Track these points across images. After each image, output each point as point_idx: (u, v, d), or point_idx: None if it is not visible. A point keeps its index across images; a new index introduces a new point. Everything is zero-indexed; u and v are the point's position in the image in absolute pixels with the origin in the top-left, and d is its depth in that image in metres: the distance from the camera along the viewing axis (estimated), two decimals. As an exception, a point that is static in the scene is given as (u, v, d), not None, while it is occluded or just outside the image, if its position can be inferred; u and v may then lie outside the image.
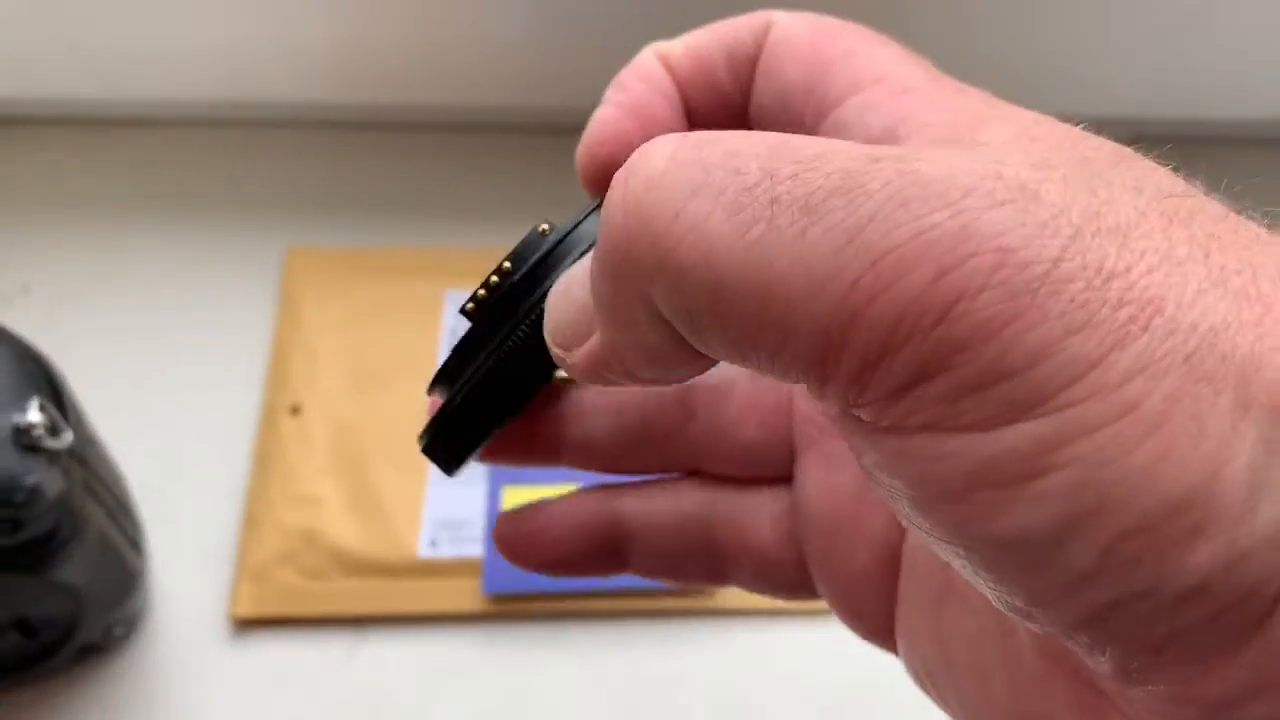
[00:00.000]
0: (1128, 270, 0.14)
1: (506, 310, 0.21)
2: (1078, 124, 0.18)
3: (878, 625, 0.24)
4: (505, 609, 0.44)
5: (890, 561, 0.23)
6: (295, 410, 0.49)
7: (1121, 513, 0.13)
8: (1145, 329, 0.14)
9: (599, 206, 0.21)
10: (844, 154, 0.15)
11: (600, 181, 0.23)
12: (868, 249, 0.14)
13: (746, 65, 0.22)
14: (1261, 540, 0.13)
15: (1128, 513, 0.13)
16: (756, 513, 0.25)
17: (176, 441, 0.48)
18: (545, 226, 0.21)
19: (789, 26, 0.22)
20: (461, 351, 0.21)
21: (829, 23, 0.22)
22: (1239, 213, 0.16)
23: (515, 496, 0.46)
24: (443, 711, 0.43)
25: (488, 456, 0.25)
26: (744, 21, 0.22)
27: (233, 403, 0.49)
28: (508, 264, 0.21)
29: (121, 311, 0.52)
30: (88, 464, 0.37)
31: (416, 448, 0.23)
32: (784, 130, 0.21)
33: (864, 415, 0.15)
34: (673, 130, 0.22)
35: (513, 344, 0.20)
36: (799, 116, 0.21)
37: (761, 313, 0.15)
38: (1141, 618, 0.14)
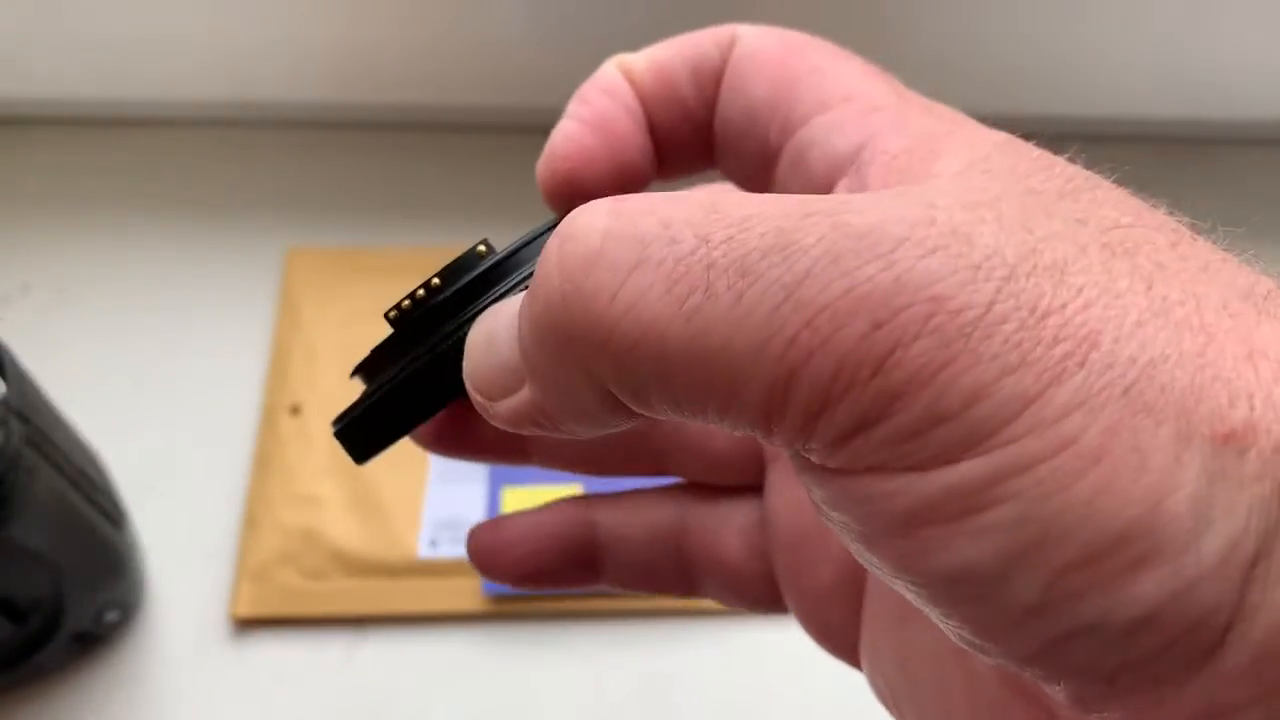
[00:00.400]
0: (1063, 307, 0.14)
1: (428, 325, 0.21)
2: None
3: (844, 641, 0.24)
4: (505, 609, 0.44)
5: (854, 578, 0.23)
6: (295, 410, 0.49)
7: (1064, 545, 0.14)
8: (1082, 364, 0.14)
9: (541, 235, 0.21)
10: (776, 211, 0.15)
11: (561, 196, 0.23)
12: (804, 305, 0.14)
13: (711, 79, 0.22)
14: (1208, 570, 0.13)
15: (1070, 545, 0.14)
16: (726, 525, 0.25)
17: (176, 441, 0.48)
18: (483, 248, 0.21)
19: (755, 41, 0.21)
20: (381, 352, 0.22)
21: (796, 38, 0.21)
22: (1195, 236, 0.16)
23: (515, 497, 0.46)
24: (443, 711, 0.43)
25: (463, 453, 0.25)
26: (709, 35, 0.22)
27: (233, 403, 0.49)
28: (438, 280, 0.21)
29: (121, 311, 0.52)
30: (31, 422, 0.37)
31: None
32: (748, 145, 0.21)
33: (812, 458, 0.15)
34: (635, 144, 0.22)
35: (424, 364, 0.20)
36: (764, 133, 0.21)
37: (706, 379, 0.15)
38: (1091, 650, 0.14)
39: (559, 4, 0.51)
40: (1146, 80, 0.53)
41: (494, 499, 0.46)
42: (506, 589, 0.44)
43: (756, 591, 0.25)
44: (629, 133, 0.22)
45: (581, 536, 0.26)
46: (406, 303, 0.21)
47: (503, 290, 0.20)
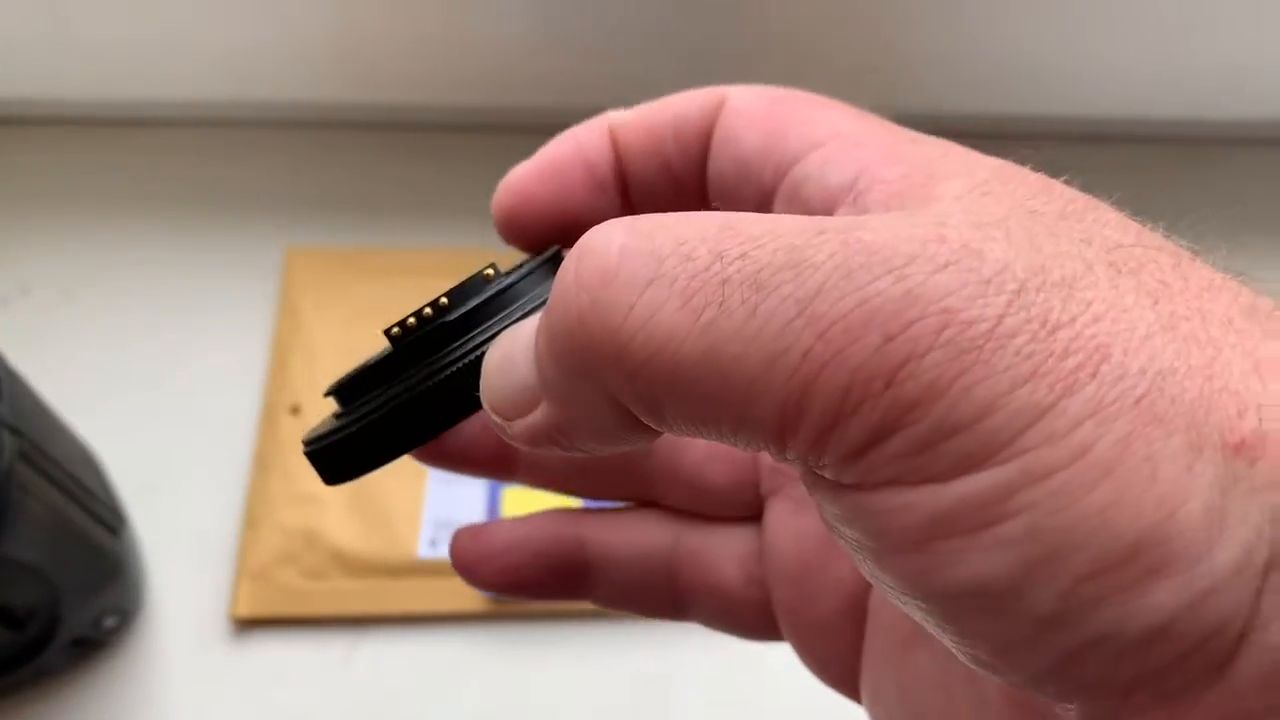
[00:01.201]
0: (1073, 320, 0.14)
1: (431, 347, 0.21)
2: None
3: (842, 673, 0.24)
4: (505, 609, 0.44)
5: (856, 610, 0.23)
6: (295, 410, 0.49)
7: (1078, 556, 0.14)
8: (1094, 376, 0.14)
9: (550, 260, 0.22)
10: (789, 229, 0.16)
11: (508, 230, 0.23)
12: (816, 319, 0.15)
13: (695, 139, 0.23)
14: (1221, 580, 0.13)
15: (1084, 556, 0.14)
16: (721, 552, 0.25)
17: (176, 441, 0.48)
18: (490, 271, 0.21)
19: (743, 99, 0.22)
20: (374, 371, 0.21)
21: (783, 92, 0.22)
22: (1195, 256, 0.17)
23: (516, 497, 0.46)
24: (442, 711, 0.43)
25: (445, 464, 0.25)
26: (697, 96, 0.23)
27: (233, 403, 0.49)
28: (445, 300, 0.21)
29: (121, 311, 0.52)
30: (25, 435, 0.37)
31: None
32: (743, 192, 0.22)
33: (825, 474, 0.16)
34: (583, 197, 0.23)
35: (431, 387, 0.20)
36: (758, 178, 0.21)
37: (720, 393, 0.15)
38: (1106, 662, 0.14)
39: (559, 4, 0.51)
40: (1146, 80, 0.53)
41: (494, 499, 0.46)
42: (506, 589, 0.44)
43: (751, 620, 0.26)
44: (579, 184, 0.23)
45: (568, 552, 0.26)
46: (411, 320, 0.21)
47: (510, 314, 0.20)
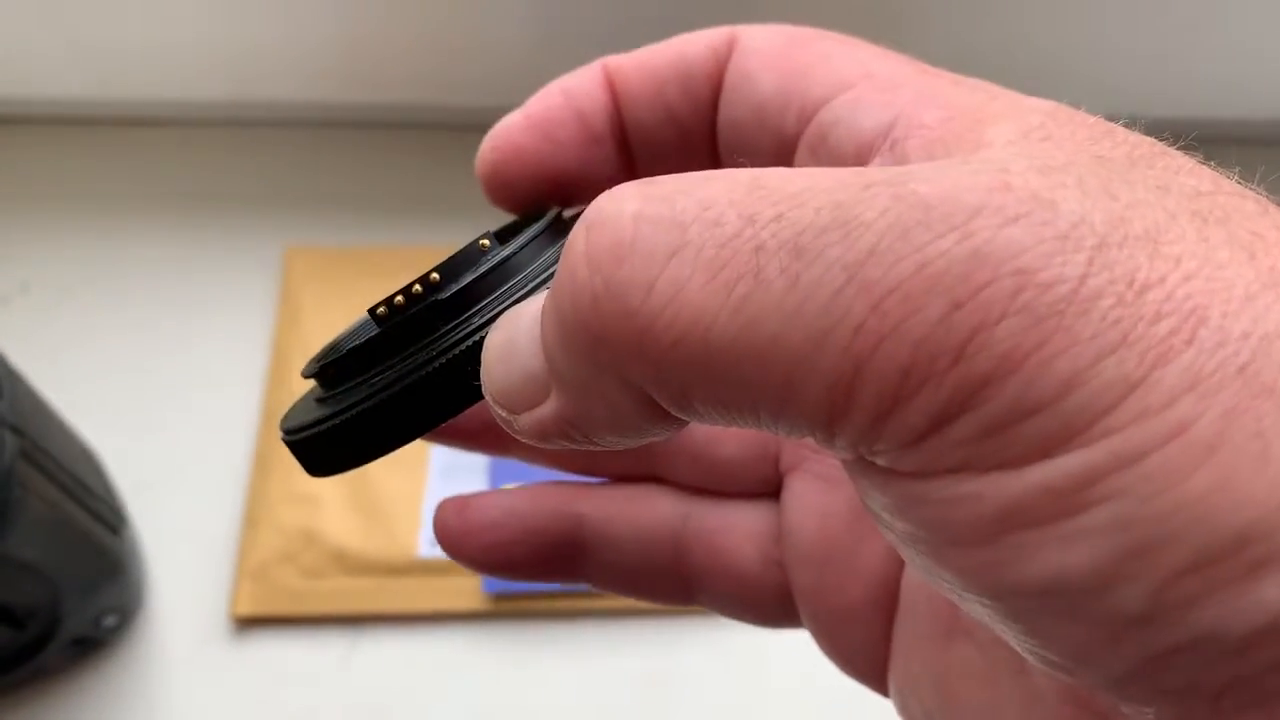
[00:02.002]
0: (1163, 280, 0.13)
1: (422, 328, 0.19)
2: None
3: (868, 664, 0.22)
4: (505, 608, 0.44)
5: (886, 597, 0.22)
6: (295, 410, 0.49)
7: (1175, 549, 0.12)
8: (1190, 342, 0.12)
9: (550, 227, 0.20)
10: (831, 184, 0.14)
11: (493, 188, 0.22)
12: (869, 288, 0.13)
13: (703, 83, 0.21)
14: None
15: (1182, 548, 0.12)
16: (735, 531, 0.23)
17: (176, 441, 0.48)
18: (486, 241, 0.19)
19: (757, 38, 0.20)
20: (359, 354, 0.19)
21: (800, 30, 0.20)
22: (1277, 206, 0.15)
23: (515, 496, 0.46)
24: (442, 711, 0.43)
25: (434, 437, 0.23)
26: (704, 37, 0.21)
27: (233, 402, 0.49)
28: (436, 275, 0.19)
29: (121, 311, 0.52)
30: (26, 434, 0.37)
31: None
32: (761, 142, 0.20)
33: (878, 461, 0.14)
34: (575, 150, 0.21)
35: (426, 376, 0.18)
36: (777, 125, 0.19)
37: (758, 377, 0.14)
38: (1199, 665, 0.12)
39: (559, 4, 0.51)
40: (1147, 80, 0.53)
41: (494, 499, 0.46)
42: (508, 587, 0.44)
43: (767, 605, 0.24)
44: (570, 137, 0.21)
45: (563, 529, 0.23)
46: (399, 299, 0.19)
47: (510, 291, 0.19)
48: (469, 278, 0.19)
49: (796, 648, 0.44)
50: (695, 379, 0.14)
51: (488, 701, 0.43)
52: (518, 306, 0.17)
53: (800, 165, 0.19)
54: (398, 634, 0.44)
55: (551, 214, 0.20)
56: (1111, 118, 0.17)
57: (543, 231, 0.20)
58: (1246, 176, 0.16)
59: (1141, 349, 0.12)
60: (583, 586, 0.43)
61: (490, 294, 0.19)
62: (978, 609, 0.14)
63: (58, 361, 0.43)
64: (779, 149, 0.20)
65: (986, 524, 0.13)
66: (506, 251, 0.19)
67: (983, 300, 0.13)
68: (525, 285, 0.19)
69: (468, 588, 0.44)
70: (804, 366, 0.13)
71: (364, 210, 0.55)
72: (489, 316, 0.18)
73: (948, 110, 0.17)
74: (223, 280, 0.53)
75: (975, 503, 0.13)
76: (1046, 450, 0.13)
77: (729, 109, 0.20)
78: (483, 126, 0.22)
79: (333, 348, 0.21)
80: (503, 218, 0.23)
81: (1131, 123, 0.17)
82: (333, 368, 0.19)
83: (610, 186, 0.22)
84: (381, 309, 0.19)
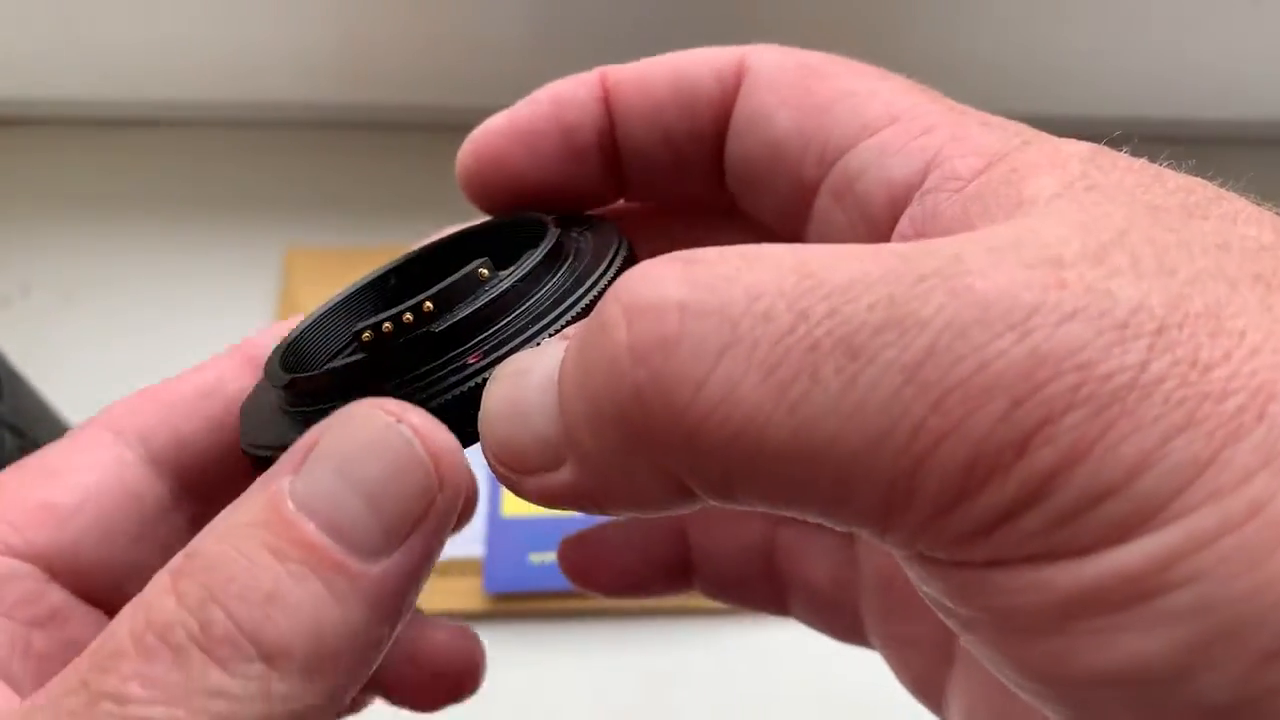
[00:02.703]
0: (1227, 356, 0.12)
1: (412, 358, 0.18)
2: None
3: (929, 685, 0.22)
4: (506, 608, 0.44)
5: (950, 632, 0.22)
6: (295, 410, 0.49)
7: (1259, 633, 0.12)
8: (1260, 418, 0.12)
9: (547, 257, 0.19)
10: (883, 275, 0.13)
11: (471, 191, 0.21)
12: (928, 388, 0.13)
13: (707, 111, 0.20)
14: None
15: (1266, 632, 0.12)
16: (814, 550, 0.24)
17: (177, 441, 0.48)
18: (485, 271, 0.18)
19: (770, 68, 0.19)
20: (339, 376, 0.18)
21: (816, 59, 0.19)
22: None
23: (515, 497, 0.46)
24: (442, 711, 0.43)
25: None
26: (709, 61, 0.20)
27: (233, 403, 0.49)
28: (430, 304, 0.18)
29: (121, 312, 0.52)
30: (26, 435, 0.37)
31: None
32: (777, 182, 0.19)
33: (937, 555, 0.14)
34: (556, 163, 0.20)
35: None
36: (795, 168, 0.19)
37: (812, 476, 0.13)
38: None
39: (559, 4, 0.51)
40: (1146, 80, 0.53)
41: (494, 498, 0.46)
42: (508, 587, 0.44)
43: (841, 624, 0.24)
44: (553, 149, 0.21)
45: (673, 549, 0.24)
46: (387, 325, 0.18)
47: (508, 328, 0.18)
48: (464, 311, 0.18)
49: (796, 648, 0.44)
50: (742, 475, 0.14)
51: (488, 701, 0.43)
52: (523, 358, 0.16)
53: (823, 211, 0.19)
54: (398, 634, 0.44)
55: (550, 241, 0.19)
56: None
57: (543, 260, 0.19)
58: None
59: (1209, 428, 0.12)
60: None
61: (486, 329, 0.18)
62: (1038, 696, 0.14)
63: (58, 363, 0.43)
64: (797, 191, 0.19)
65: (1056, 611, 0.13)
66: (506, 283, 0.18)
67: (1045, 397, 0.12)
68: (524, 321, 0.18)
69: (468, 588, 0.44)
70: (860, 466, 0.13)
71: (364, 210, 0.55)
72: (486, 357, 0.17)
73: (981, 157, 0.16)
74: (223, 281, 0.53)
75: (1045, 590, 0.13)
76: (1120, 535, 0.12)
77: (740, 144, 0.20)
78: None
79: (295, 347, 0.20)
80: None
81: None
82: (307, 383, 0.19)
83: (593, 200, 0.21)
84: (368, 334, 0.18)
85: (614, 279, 0.18)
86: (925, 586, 0.14)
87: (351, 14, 0.52)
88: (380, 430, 0.16)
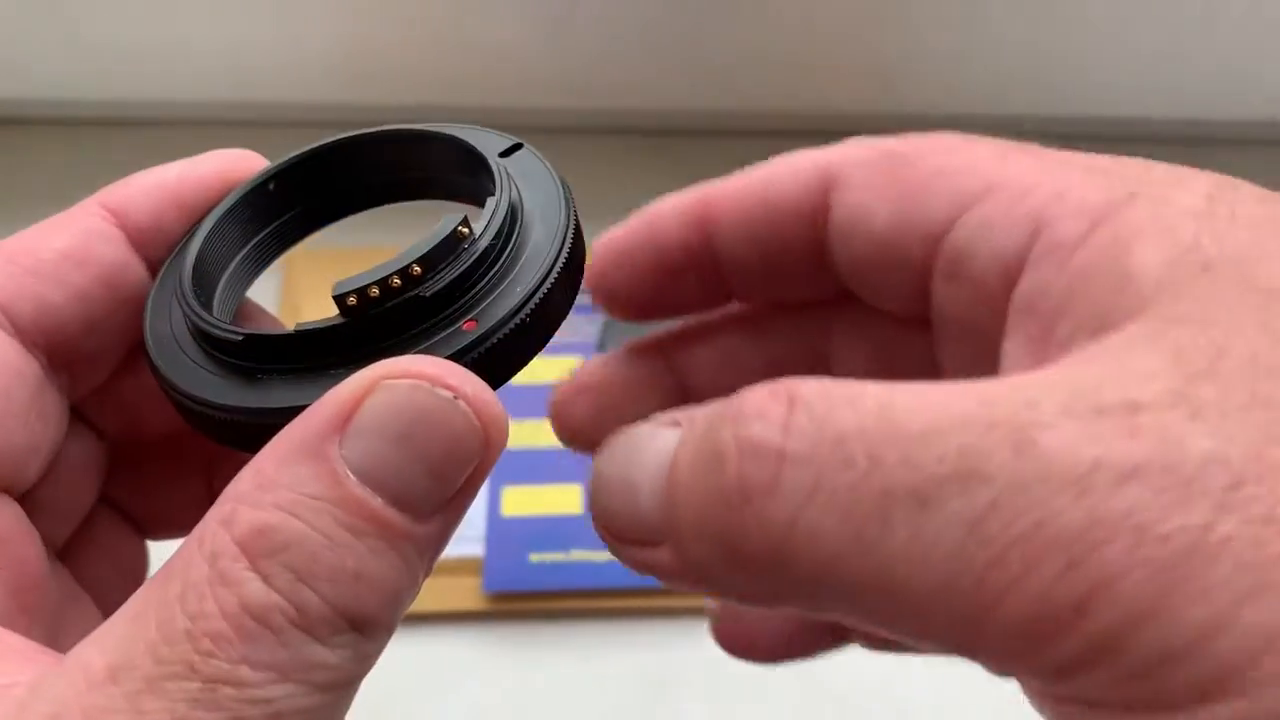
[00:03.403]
0: None
1: (400, 321, 0.18)
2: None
3: None
4: (505, 608, 0.44)
5: None
6: (295, 410, 0.48)
7: None
8: None
9: (511, 210, 0.19)
10: (954, 423, 0.14)
11: (600, 300, 0.22)
12: (988, 543, 0.13)
13: (799, 224, 0.20)
14: None
15: None
16: None
17: (177, 441, 0.48)
18: (465, 229, 0.19)
19: (858, 171, 0.19)
20: (313, 340, 0.18)
21: (901, 145, 0.19)
22: None
23: (515, 496, 0.46)
24: (442, 711, 0.43)
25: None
26: (795, 174, 0.20)
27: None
28: (417, 268, 0.18)
29: (122, 311, 0.52)
30: None
31: None
32: (889, 276, 0.19)
33: (1025, 687, 0.14)
34: (649, 281, 0.21)
35: None
36: (902, 257, 0.19)
37: (890, 608, 0.14)
38: None
39: (560, 5, 0.51)
40: (1146, 80, 0.53)
41: (494, 498, 0.46)
42: (508, 587, 0.44)
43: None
44: (648, 268, 0.22)
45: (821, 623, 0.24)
46: (374, 290, 0.18)
47: (492, 286, 0.18)
48: (451, 274, 0.18)
49: (797, 648, 0.44)
50: (831, 601, 0.15)
51: (487, 701, 0.43)
52: (633, 438, 0.17)
53: (941, 295, 0.19)
54: (397, 634, 0.44)
55: (508, 194, 0.19)
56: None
57: (507, 216, 0.19)
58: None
59: None
60: (590, 585, 0.44)
61: (471, 290, 0.18)
62: None
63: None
64: (911, 279, 0.19)
65: None
66: (487, 240, 0.18)
67: (1101, 559, 0.13)
68: (503, 279, 0.18)
69: (468, 588, 0.44)
70: (935, 607, 0.14)
71: (379, 206, 0.55)
72: (481, 325, 0.18)
73: (1084, 218, 0.16)
74: (223, 280, 0.53)
75: None
76: (1203, 695, 0.12)
77: (844, 247, 0.20)
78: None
79: (198, 276, 0.20)
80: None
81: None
82: (272, 344, 0.18)
83: (699, 305, 0.23)
84: (352, 298, 0.18)
85: (571, 226, 0.19)
86: (1029, 697, 0.15)
87: (352, 14, 0.52)
88: (435, 399, 0.16)
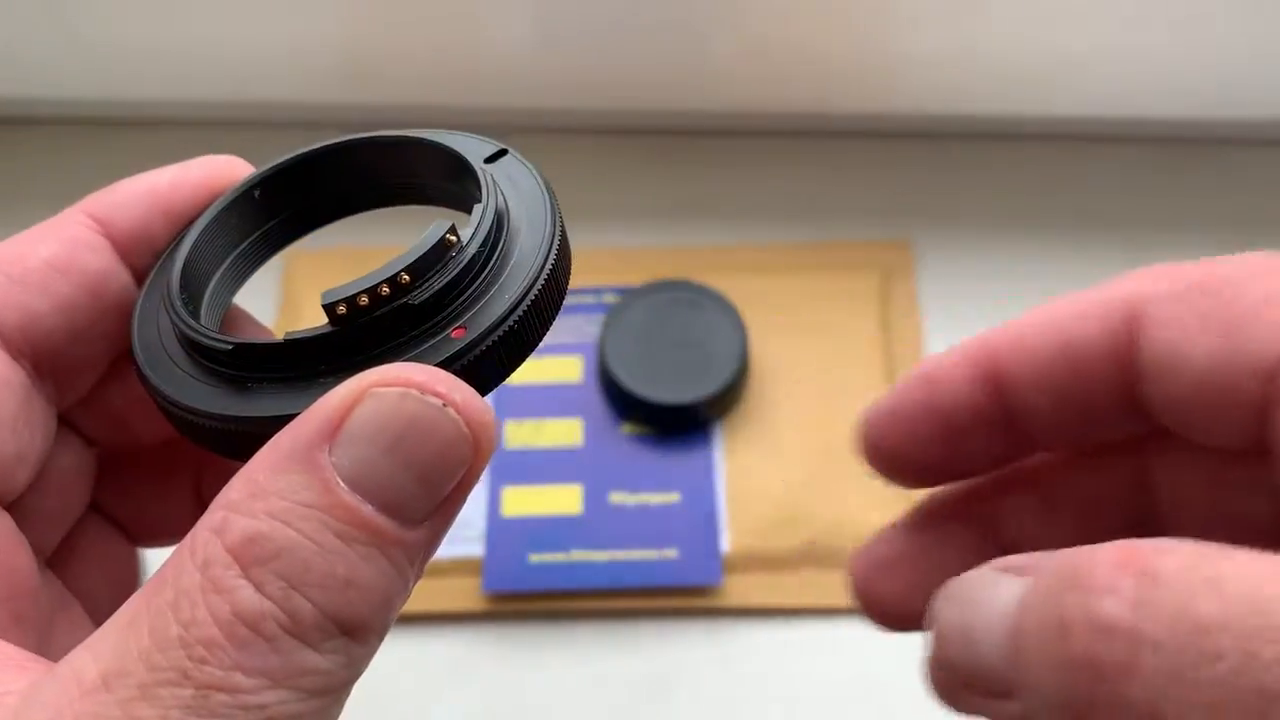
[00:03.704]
0: None
1: (393, 330, 0.18)
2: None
3: None
4: (505, 608, 0.44)
5: None
6: (295, 410, 0.48)
7: None
8: None
9: (496, 216, 0.19)
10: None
11: (879, 471, 0.22)
12: None
13: (1103, 367, 0.19)
14: None
15: None
16: None
17: (176, 441, 0.48)
18: (452, 236, 0.19)
19: (1167, 306, 0.19)
20: (301, 348, 0.18)
21: (1209, 276, 0.18)
22: None
23: (515, 496, 0.46)
24: (443, 711, 0.43)
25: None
26: (1093, 314, 0.19)
27: (233, 403, 0.49)
28: (406, 276, 0.18)
29: (121, 311, 0.52)
30: None
31: None
32: (1215, 416, 0.18)
33: None
34: (935, 444, 0.21)
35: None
36: (1229, 394, 0.18)
37: None
38: None
39: (561, 6, 0.51)
40: (1146, 80, 0.53)
41: (494, 498, 0.46)
42: (506, 588, 0.44)
43: None
44: (932, 432, 0.21)
45: None
46: (363, 299, 0.18)
47: (479, 294, 0.18)
48: (439, 282, 0.18)
49: (797, 648, 0.44)
50: None
51: (487, 701, 0.43)
52: (975, 588, 0.17)
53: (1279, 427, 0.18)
54: (397, 634, 0.44)
55: (491, 202, 0.19)
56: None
57: (493, 222, 0.19)
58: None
59: None
60: (590, 585, 0.44)
61: (459, 298, 0.18)
62: None
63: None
64: (1244, 415, 0.18)
65: None
66: (471, 250, 0.19)
67: None
68: (491, 286, 0.18)
69: (468, 588, 0.44)
70: None
71: (365, 211, 0.55)
72: (470, 332, 0.18)
73: None
74: (223, 280, 0.53)
75: None
76: None
77: (1159, 388, 0.19)
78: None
79: (186, 283, 0.20)
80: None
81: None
82: (261, 353, 0.18)
83: (994, 462, 0.22)
84: (341, 307, 0.18)
85: (557, 232, 0.19)
86: None
87: (352, 14, 0.52)
88: (425, 407, 0.16)
